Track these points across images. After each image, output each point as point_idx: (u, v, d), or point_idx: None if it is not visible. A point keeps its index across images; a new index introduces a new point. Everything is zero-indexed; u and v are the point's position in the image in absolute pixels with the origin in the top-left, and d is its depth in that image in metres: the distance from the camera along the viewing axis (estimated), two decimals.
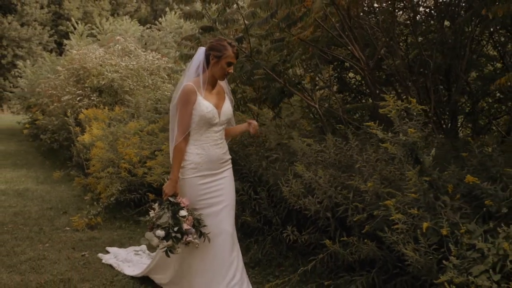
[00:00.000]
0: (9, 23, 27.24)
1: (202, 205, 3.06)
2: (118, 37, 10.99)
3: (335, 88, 5.38)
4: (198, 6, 4.83)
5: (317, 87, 5.50)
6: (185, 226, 2.91)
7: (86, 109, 8.84)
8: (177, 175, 3.03)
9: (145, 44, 13.87)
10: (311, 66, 5.21)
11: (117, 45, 10.35)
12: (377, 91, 4.27)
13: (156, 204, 3.01)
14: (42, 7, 29.31)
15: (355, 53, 4.19)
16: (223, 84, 3.22)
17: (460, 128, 4.59)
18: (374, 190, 2.83)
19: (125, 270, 3.87)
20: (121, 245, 4.58)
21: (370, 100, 4.91)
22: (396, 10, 4.37)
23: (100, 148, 6.42)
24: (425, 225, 2.25)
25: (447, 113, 4.52)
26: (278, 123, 4.74)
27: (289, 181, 3.39)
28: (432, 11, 4.42)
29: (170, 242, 2.88)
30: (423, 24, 4.58)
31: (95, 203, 5.63)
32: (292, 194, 3.36)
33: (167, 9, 16.75)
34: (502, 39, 4.40)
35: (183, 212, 2.93)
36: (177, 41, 5.87)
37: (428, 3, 4.54)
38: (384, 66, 4.73)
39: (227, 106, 3.17)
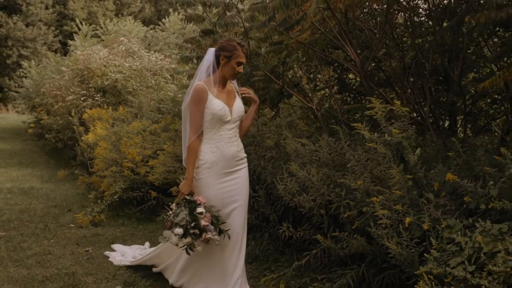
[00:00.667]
0: (14, 23, 27.46)
1: (217, 205, 3.11)
2: (122, 38, 11.14)
3: (335, 89, 5.49)
4: (200, 9, 4.96)
5: (317, 88, 5.64)
6: (203, 223, 2.92)
7: (90, 109, 8.97)
8: (192, 174, 3.09)
9: (149, 44, 14.00)
10: (311, 67, 5.34)
11: (121, 46, 10.49)
12: (372, 92, 4.40)
13: (174, 204, 3.05)
14: (47, 8, 29.51)
15: (351, 55, 4.32)
16: (233, 83, 3.30)
17: (459, 129, 4.67)
18: (364, 188, 2.97)
19: (126, 263, 4.00)
20: (124, 241, 4.73)
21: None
22: (395, 12, 4.48)
23: (104, 148, 6.58)
24: (407, 220, 2.39)
25: (443, 113, 4.64)
26: (279, 123, 4.87)
27: (284, 180, 3.53)
28: (432, 13, 4.52)
29: (189, 239, 2.90)
30: (422, 26, 4.68)
31: (98, 201, 5.78)
32: (287, 192, 3.49)
33: (170, 10, 16.89)
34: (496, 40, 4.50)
35: (200, 209, 2.96)
36: (179, 43, 6.00)
37: (423, 6, 4.65)
38: (383, 67, 4.84)
39: (239, 104, 3.23)
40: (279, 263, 3.95)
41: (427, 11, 4.58)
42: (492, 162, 2.77)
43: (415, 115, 4.39)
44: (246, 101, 3.61)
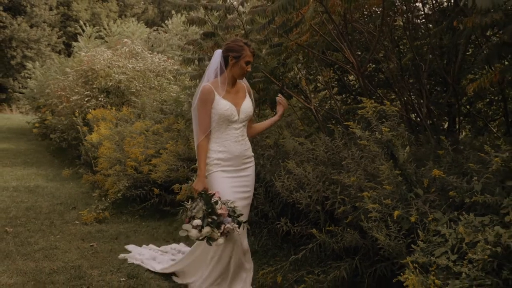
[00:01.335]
0: (19, 25, 27.63)
1: (230, 199, 3.13)
2: (126, 40, 11.29)
3: (335, 90, 5.61)
4: (202, 12, 5.10)
5: (317, 89, 5.78)
6: (220, 211, 2.96)
7: (94, 109, 9.12)
8: (203, 171, 3.19)
9: (152, 46, 14.14)
10: (311, 69, 5.47)
11: (125, 47, 10.64)
12: (371, 93, 4.53)
13: (189, 201, 3.09)
14: (51, 9, 29.70)
15: (349, 57, 4.45)
16: (244, 82, 3.39)
17: (459, 129, 4.76)
18: (358, 184, 3.11)
19: (155, 266, 3.93)
20: (127, 237, 4.87)
21: None
22: (392, 15, 4.59)
23: (108, 147, 6.73)
24: (396, 213, 2.53)
25: (441, 114, 4.75)
26: (278, 123, 5.01)
27: (282, 177, 3.67)
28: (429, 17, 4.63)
29: (208, 229, 2.90)
30: (420, 28, 4.80)
31: (102, 198, 5.93)
32: (285, 189, 3.63)
33: (173, 12, 17.02)
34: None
35: (215, 199, 3.01)
36: (181, 45, 6.12)
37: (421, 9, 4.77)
38: (382, 69, 4.96)
39: (247, 104, 3.30)
40: (278, 257, 4.09)
41: (424, 14, 4.71)
42: (480, 159, 2.91)
43: (413, 115, 4.51)
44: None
